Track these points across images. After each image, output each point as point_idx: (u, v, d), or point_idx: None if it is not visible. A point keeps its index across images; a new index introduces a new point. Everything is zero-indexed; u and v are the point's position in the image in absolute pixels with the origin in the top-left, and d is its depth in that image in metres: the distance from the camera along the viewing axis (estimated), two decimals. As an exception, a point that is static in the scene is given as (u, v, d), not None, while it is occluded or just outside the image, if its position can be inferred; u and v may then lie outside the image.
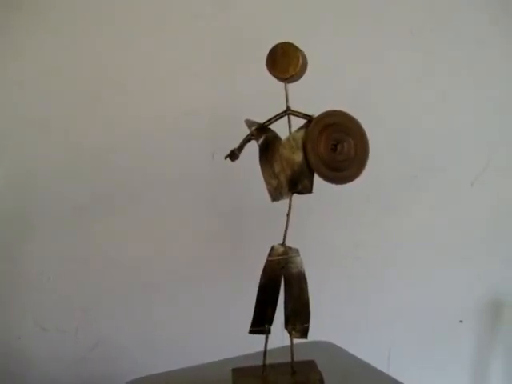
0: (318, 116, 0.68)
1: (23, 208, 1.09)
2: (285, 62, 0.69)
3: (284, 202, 0.71)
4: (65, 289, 1.11)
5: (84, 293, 1.12)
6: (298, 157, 0.69)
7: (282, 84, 0.70)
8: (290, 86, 0.70)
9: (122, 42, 1.11)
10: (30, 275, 1.10)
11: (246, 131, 0.71)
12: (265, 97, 0.87)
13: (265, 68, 0.70)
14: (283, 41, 0.69)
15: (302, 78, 0.71)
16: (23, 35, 1.07)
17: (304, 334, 0.72)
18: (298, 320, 0.72)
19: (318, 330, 0.75)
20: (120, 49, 1.11)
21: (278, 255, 0.71)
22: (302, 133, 0.69)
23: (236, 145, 0.71)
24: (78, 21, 1.09)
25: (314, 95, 0.90)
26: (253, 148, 0.71)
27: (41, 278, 1.10)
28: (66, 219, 1.10)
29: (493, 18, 1.25)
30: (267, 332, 0.72)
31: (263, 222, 1.04)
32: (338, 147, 0.67)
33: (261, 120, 0.71)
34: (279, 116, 0.70)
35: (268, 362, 0.73)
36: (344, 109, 0.67)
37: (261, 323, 0.72)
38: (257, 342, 0.73)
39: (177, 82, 1.12)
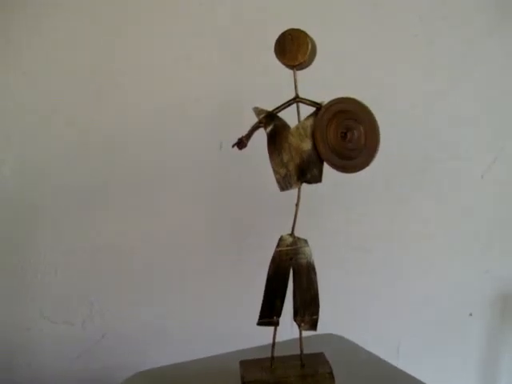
0: (328, 103, 0.67)
1: (30, 201, 1.08)
2: (294, 48, 0.67)
3: (293, 192, 0.70)
4: (72, 281, 1.10)
5: (91, 285, 1.11)
6: (307, 145, 0.68)
7: (290, 71, 0.69)
8: (299, 73, 0.69)
9: (127, 31, 1.09)
10: (37, 268, 1.09)
11: (255, 121, 0.70)
12: (273, 85, 0.86)
13: (273, 55, 0.69)
14: (292, 27, 0.68)
15: (312, 65, 0.70)
16: (24, 31, 1.06)
17: (313, 325, 0.71)
18: (307, 312, 0.71)
19: (326, 323, 0.74)
20: (126, 38, 1.10)
21: (287, 246, 0.70)
22: (311, 121, 0.68)
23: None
24: (81, 12, 1.08)
25: (323, 83, 0.88)
26: (261, 137, 0.70)
27: (48, 271, 1.09)
28: (73, 212, 1.10)
29: (506, 3, 1.23)
30: (276, 324, 0.72)
31: (272, 212, 1.03)
32: (348, 135, 0.65)
33: (269, 108, 0.70)
34: (288, 104, 0.69)
35: (276, 354, 0.72)
36: (353, 97, 0.66)
37: (269, 315, 0.71)
38: (265, 335, 0.73)
39: (183, 71, 1.11)
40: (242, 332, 0.96)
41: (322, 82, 0.76)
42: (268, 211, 1.12)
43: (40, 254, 1.09)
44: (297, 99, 0.69)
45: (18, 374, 1.11)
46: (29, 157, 1.08)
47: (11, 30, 1.05)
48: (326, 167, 0.69)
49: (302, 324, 0.71)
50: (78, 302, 1.11)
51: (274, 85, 0.88)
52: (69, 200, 1.09)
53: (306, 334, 0.72)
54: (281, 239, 0.70)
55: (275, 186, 0.70)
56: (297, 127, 0.69)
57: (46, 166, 1.08)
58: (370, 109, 0.64)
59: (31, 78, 1.07)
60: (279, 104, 0.70)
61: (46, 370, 1.11)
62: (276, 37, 0.68)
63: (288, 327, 0.74)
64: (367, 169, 0.66)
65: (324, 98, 0.68)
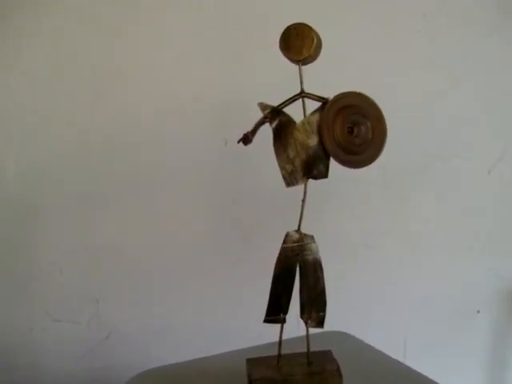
0: (334, 98, 0.66)
1: (34, 200, 1.08)
2: (298, 43, 0.67)
3: (299, 188, 0.69)
4: (77, 280, 1.10)
5: (96, 284, 1.11)
6: (313, 141, 0.68)
7: (295, 67, 0.68)
8: (305, 68, 0.68)
9: (127, 31, 1.09)
10: (41, 266, 1.09)
11: (259, 117, 0.69)
12: (278, 81, 0.85)
13: (278, 51, 0.68)
14: (296, 22, 0.68)
15: (317, 60, 0.69)
16: (24, 31, 1.06)
17: (320, 323, 0.70)
18: (314, 309, 0.70)
19: (333, 320, 0.74)
20: (126, 38, 1.09)
21: (293, 242, 0.69)
22: (317, 116, 0.67)
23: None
24: (81, 9, 1.07)
25: (322, 82, 0.88)
26: (266, 134, 0.70)
27: (52, 269, 1.09)
28: (77, 211, 1.10)
29: (507, 2, 1.24)
30: (282, 321, 0.71)
31: (278, 208, 1.02)
32: (355, 130, 0.65)
33: (275, 104, 0.69)
34: (293, 99, 0.69)
35: (283, 352, 0.72)
36: (360, 91, 0.65)
37: (276, 312, 0.70)
38: (272, 332, 0.72)
39: (187, 69, 1.11)
40: (243, 332, 0.95)
41: (322, 82, 0.76)
42: (269, 211, 1.12)
43: (44, 254, 1.09)
44: (302, 94, 0.68)
45: (21, 374, 1.10)
46: (30, 157, 1.08)
47: (11, 29, 1.05)
48: (332, 162, 0.68)
49: (309, 321, 0.70)
50: (82, 300, 1.11)
51: (275, 83, 0.88)
52: (71, 200, 1.09)
53: (312, 331, 0.71)
54: (287, 236, 0.69)
55: (276, 185, 0.70)
56: (303, 122, 0.68)
57: (47, 166, 1.08)
58: (377, 103, 0.64)
59: (31, 78, 1.07)
60: (282, 100, 0.69)
61: (49, 370, 1.11)
62: (276, 36, 0.68)
63: (294, 325, 0.73)
64: (371, 166, 0.66)
65: (330, 92, 0.67)
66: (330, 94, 0.67)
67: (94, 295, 1.11)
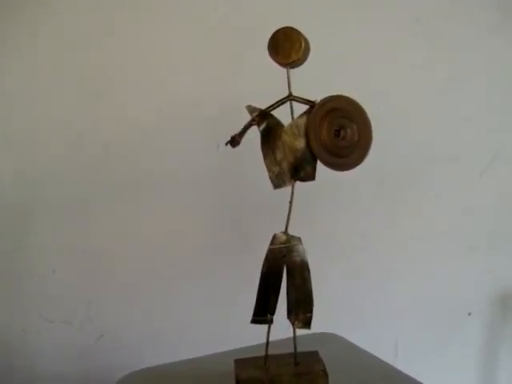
0: (321, 101, 0.67)
1: (28, 201, 1.09)
2: (287, 47, 0.67)
3: (289, 190, 0.70)
4: (70, 281, 1.11)
5: (89, 285, 1.12)
6: (301, 143, 0.68)
7: (284, 70, 0.69)
8: (300, 72, 0.69)
9: (125, 32, 1.10)
10: (34, 267, 1.09)
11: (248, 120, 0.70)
12: (268, 84, 0.85)
13: (267, 55, 0.68)
14: (285, 26, 0.68)
15: (312, 65, 0.70)
16: (23, 32, 1.07)
17: (307, 324, 0.71)
18: (301, 310, 0.70)
19: (323, 322, 0.74)
20: (124, 40, 1.10)
21: (280, 243, 0.70)
22: (304, 119, 0.68)
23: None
24: (80, 13, 1.08)
25: (323, 83, 0.88)
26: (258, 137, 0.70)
27: (46, 270, 1.09)
28: (71, 212, 1.10)
29: (508, 2, 1.23)
30: (269, 322, 0.71)
31: (277, 209, 1.03)
32: (341, 133, 0.66)
33: (264, 107, 0.69)
34: (281, 102, 0.69)
35: (272, 352, 0.72)
36: (346, 95, 0.66)
37: (263, 313, 0.71)
38: (259, 333, 0.72)
39: (179, 74, 1.11)
40: (237, 331, 0.95)
41: (322, 83, 0.76)
42: (268, 211, 1.11)
43: (37, 254, 1.09)
44: (290, 97, 0.69)
45: (14, 375, 1.11)
46: (26, 159, 1.08)
47: (10, 30, 1.06)
48: (321, 165, 0.69)
49: (296, 322, 0.71)
50: (75, 301, 1.11)
51: (272, 85, 0.88)
52: (66, 201, 1.09)
53: (301, 333, 0.71)
54: (274, 237, 0.70)
55: (270, 185, 0.70)
56: (290, 125, 0.69)
57: (45, 167, 1.08)
58: (363, 107, 0.65)
59: (31, 78, 1.07)
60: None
61: (43, 371, 1.11)
62: (269, 36, 0.68)
63: (285, 326, 0.74)
64: (364, 167, 0.66)
65: (318, 96, 0.67)
66: (326, 93, 0.67)
67: (87, 296, 1.12)
